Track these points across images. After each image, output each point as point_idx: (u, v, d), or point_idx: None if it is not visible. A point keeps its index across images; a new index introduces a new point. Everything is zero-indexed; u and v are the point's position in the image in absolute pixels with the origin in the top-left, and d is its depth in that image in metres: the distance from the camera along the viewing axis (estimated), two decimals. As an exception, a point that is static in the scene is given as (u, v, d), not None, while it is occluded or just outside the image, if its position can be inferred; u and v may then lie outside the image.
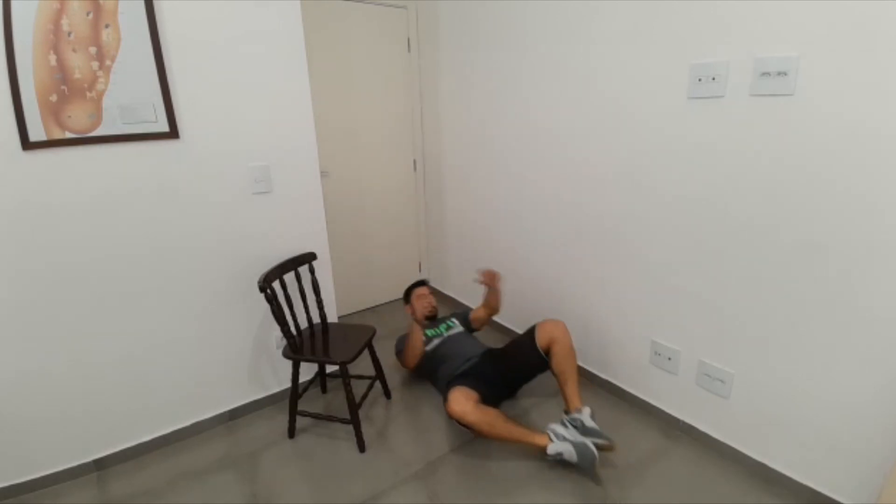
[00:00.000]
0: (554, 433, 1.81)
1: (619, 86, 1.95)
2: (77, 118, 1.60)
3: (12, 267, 1.58)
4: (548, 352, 2.07)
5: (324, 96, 2.65)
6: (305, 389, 2.20)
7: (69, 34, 1.54)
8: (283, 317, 1.91)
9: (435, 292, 3.55)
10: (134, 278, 1.81)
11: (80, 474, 1.82)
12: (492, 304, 2.55)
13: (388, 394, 2.31)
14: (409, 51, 3.10)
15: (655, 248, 1.95)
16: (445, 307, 3.25)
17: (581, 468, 1.75)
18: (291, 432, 2.04)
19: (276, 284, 1.99)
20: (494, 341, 2.67)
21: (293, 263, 2.08)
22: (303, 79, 2.04)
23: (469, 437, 1.96)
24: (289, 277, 2.06)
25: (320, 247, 2.25)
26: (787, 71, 1.42)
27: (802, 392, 1.60)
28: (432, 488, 1.76)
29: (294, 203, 2.14)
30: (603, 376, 2.33)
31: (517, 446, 1.87)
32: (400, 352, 2.41)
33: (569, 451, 1.74)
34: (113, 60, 1.62)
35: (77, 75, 1.57)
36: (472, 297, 3.15)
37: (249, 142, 1.96)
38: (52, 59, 1.53)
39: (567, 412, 1.95)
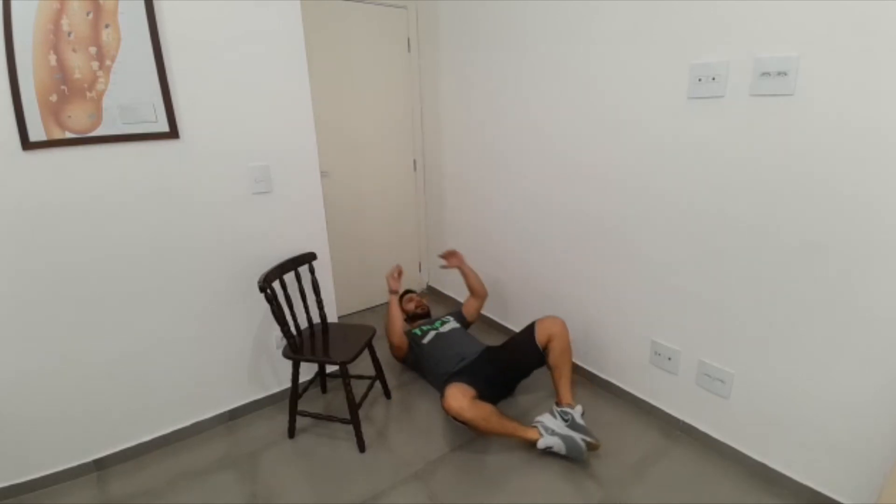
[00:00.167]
0: (542, 426, 1.86)
1: (619, 85, 1.95)
2: (77, 118, 1.60)
3: (12, 267, 1.58)
4: (546, 348, 2.09)
5: (324, 96, 2.65)
6: (305, 389, 2.20)
7: (69, 34, 1.54)
8: (283, 317, 1.91)
9: (435, 292, 3.57)
10: (134, 278, 1.81)
11: (80, 474, 1.82)
12: (474, 288, 2.67)
13: (388, 394, 2.31)
14: (409, 51, 3.10)
15: (655, 247, 1.96)
16: (446, 307, 3.25)
17: (571, 458, 1.80)
18: (291, 432, 2.04)
19: (276, 284, 1.99)
20: (494, 340, 2.67)
21: (293, 263, 2.08)
22: (303, 79, 2.04)
23: (469, 436, 1.96)
24: (289, 277, 2.06)
25: (320, 247, 2.25)
26: (787, 71, 1.42)
27: (802, 392, 1.60)
28: (432, 488, 1.76)
29: (294, 203, 2.14)
30: (603, 376, 2.33)
31: (515, 443, 1.90)
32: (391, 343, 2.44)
33: (558, 445, 1.81)
34: (113, 60, 1.62)
35: (77, 75, 1.57)
36: (472, 297, 3.15)
37: (249, 142, 1.96)
38: (52, 59, 1.53)
39: (558, 404, 2.00)
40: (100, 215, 1.71)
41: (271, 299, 1.85)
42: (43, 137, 1.56)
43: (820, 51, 1.36)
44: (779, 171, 1.52)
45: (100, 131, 1.65)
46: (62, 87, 1.56)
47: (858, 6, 1.27)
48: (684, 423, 1.99)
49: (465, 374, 2.03)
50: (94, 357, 1.79)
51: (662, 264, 1.94)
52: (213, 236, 1.96)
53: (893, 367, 1.38)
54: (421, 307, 2.70)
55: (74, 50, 1.56)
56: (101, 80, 1.62)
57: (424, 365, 2.36)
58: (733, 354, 1.77)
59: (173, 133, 1.78)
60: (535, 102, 2.35)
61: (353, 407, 1.92)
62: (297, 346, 1.98)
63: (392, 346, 2.45)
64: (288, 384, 2.14)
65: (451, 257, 2.66)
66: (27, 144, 1.53)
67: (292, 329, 2.01)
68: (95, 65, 1.60)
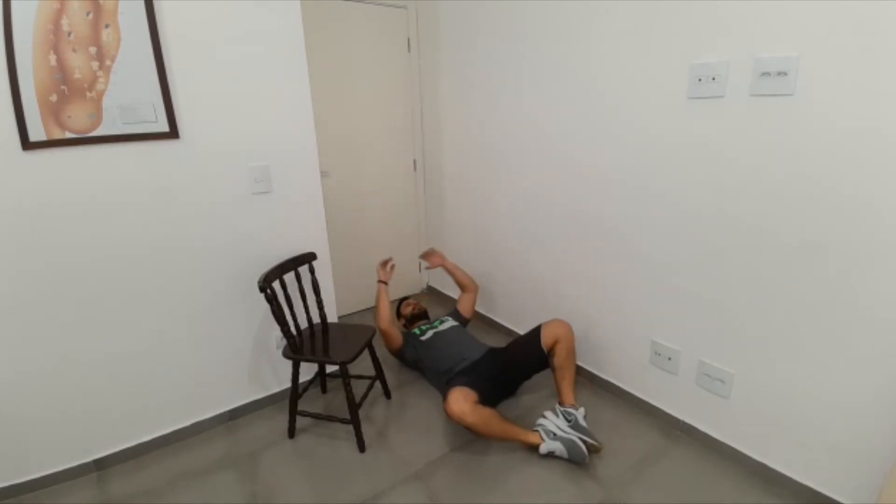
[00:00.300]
0: (544, 430, 1.87)
1: (619, 85, 1.95)
2: (77, 118, 1.60)
3: (12, 267, 1.58)
4: (551, 350, 2.11)
5: (324, 96, 2.65)
6: (305, 389, 2.20)
7: (69, 34, 1.54)
8: (283, 317, 1.91)
9: (435, 292, 3.57)
10: (134, 278, 1.81)
11: (80, 474, 1.82)
12: (462, 283, 2.74)
13: (388, 394, 2.31)
14: (409, 51, 3.10)
15: (655, 247, 1.96)
16: (445, 308, 3.25)
17: (573, 461, 1.81)
18: (291, 432, 2.04)
19: (276, 284, 1.99)
20: (494, 340, 2.68)
21: (293, 263, 2.08)
22: (303, 79, 2.04)
23: (469, 436, 1.96)
24: (289, 277, 2.06)
25: (320, 247, 2.25)
26: (787, 71, 1.42)
27: (802, 392, 1.60)
28: (432, 488, 1.76)
29: (294, 203, 2.14)
30: (603, 376, 2.33)
31: (515, 443, 1.90)
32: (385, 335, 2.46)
33: (559, 450, 1.81)
34: (113, 60, 1.62)
35: (77, 75, 1.57)
36: (472, 297, 3.15)
37: (249, 142, 1.96)
38: (52, 59, 1.53)
39: (561, 404, 2.02)
40: (100, 215, 1.71)
41: (271, 299, 1.85)
42: (43, 137, 1.56)
43: (820, 51, 1.36)
44: (779, 170, 1.52)
45: (100, 131, 1.65)
46: (62, 87, 1.56)
47: (858, 6, 1.27)
48: (684, 423, 1.99)
49: (467, 376, 2.04)
50: (94, 357, 1.79)
51: (662, 264, 1.94)
52: (213, 236, 1.96)
53: (893, 367, 1.38)
54: (418, 308, 2.71)
55: (74, 50, 1.56)
56: (101, 80, 1.62)
57: (424, 363, 2.37)
58: (733, 354, 1.77)
59: (173, 133, 1.78)
60: (535, 102, 2.35)
61: (353, 407, 1.92)
62: (297, 346, 1.98)
63: (383, 336, 2.44)
64: (288, 384, 2.14)
65: (431, 256, 2.72)
66: (27, 144, 1.53)
67: (292, 329, 2.01)
68: (95, 65, 1.60)
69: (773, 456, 1.72)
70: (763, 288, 1.64)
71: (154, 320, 1.89)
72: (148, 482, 1.80)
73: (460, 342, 2.33)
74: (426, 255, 2.73)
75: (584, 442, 1.80)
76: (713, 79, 1.61)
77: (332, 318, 2.34)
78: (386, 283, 2.48)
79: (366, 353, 2.10)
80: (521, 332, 2.74)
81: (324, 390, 2.37)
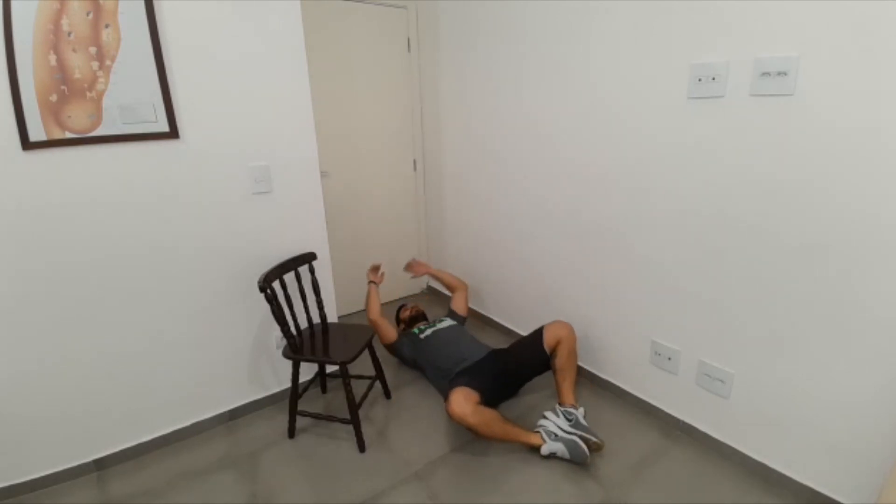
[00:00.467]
0: (545, 431, 1.88)
1: (619, 86, 1.95)
2: (77, 118, 1.60)
3: (12, 267, 1.58)
4: (553, 351, 2.11)
5: (324, 96, 2.65)
6: (305, 389, 2.20)
7: (69, 34, 1.54)
8: (283, 317, 1.91)
9: (434, 293, 3.57)
10: (134, 278, 1.81)
11: (80, 474, 1.82)
12: (451, 284, 2.85)
13: (388, 394, 2.31)
14: (409, 51, 3.10)
15: (655, 247, 1.96)
16: (445, 308, 3.24)
17: (575, 462, 1.80)
18: (291, 432, 2.04)
19: (276, 284, 1.99)
20: (495, 340, 2.68)
21: (293, 263, 2.08)
22: (303, 79, 2.04)
23: (469, 437, 1.96)
24: (289, 277, 2.06)
25: (320, 247, 2.25)
26: (787, 71, 1.42)
27: (802, 392, 1.60)
28: (432, 488, 1.76)
29: (294, 203, 2.14)
30: (603, 376, 2.33)
31: (515, 445, 1.90)
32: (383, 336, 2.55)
33: (561, 450, 1.82)
34: (113, 60, 1.62)
35: (77, 75, 1.57)
36: (472, 296, 3.15)
37: (249, 142, 1.96)
38: (52, 59, 1.53)
39: (562, 404, 2.02)
40: (100, 215, 1.71)
41: (271, 299, 1.85)
42: (43, 137, 1.56)
43: (820, 51, 1.36)
44: (778, 170, 1.52)
45: (100, 131, 1.65)
46: (62, 87, 1.56)
47: (858, 6, 1.27)
48: (684, 423, 1.99)
49: (468, 376, 2.04)
50: (94, 357, 1.79)
51: (662, 264, 1.94)
52: (213, 236, 1.96)
53: (893, 367, 1.38)
54: (416, 311, 2.78)
55: (74, 50, 1.56)
56: (101, 80, 1.62)
57: (424, 362, 2.38)
58: (733, 354, 1.77)
59: (173, 133, 1.78)
60: (535, 102, 2.35)
61: (353, 407, 1.92)
62: (297, 346, 1.98)
63: (374, 328, 2.46)
64: (288, 384, 2.14)
65: (414, 267, 2.82)
66: (27, 144, 1.53)
67: (292, 329, 2.01)
68: (95, 65, 1.60)
69: (773, 456, 1.72)
70: (763, 288, 1.64)
71: (154, 320, 1.89)
72: (148, 482, 1.80)
73: (459, 341, 2.34)
74: (409, 267, 2.82)
75: (586, 440, 1.80)
76: (713, 79, 1.61)
77: (332, 318, 2.34)
78: (375, 283, 2.59)
79: (366, 353, 2.10)
80: (521, 331, 2.75)
81: (324, 390, 2.37)
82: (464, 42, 2.72)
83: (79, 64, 1.57)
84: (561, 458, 1.82)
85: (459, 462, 1.88)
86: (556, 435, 1.85)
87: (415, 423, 2.13)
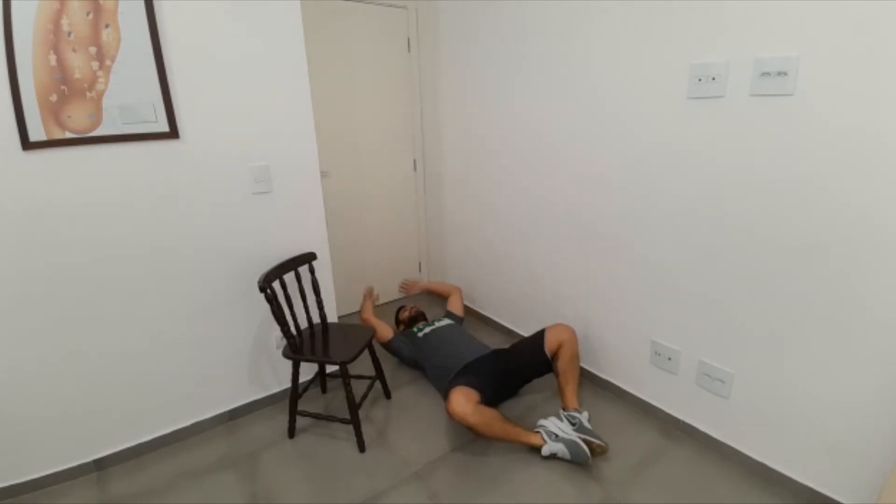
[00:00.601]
0: (546, 432, 1.86)
1: (619, 86, 1.95)
2: (77, 118, 1.60)
3: (12, 267, 1.58)
4: (555, 355, 2.10)
5: (324, 96, 2.65)
6: (305, 389, 2.20)
7: (69, 34, 1.54)
8: (283, 317, 1.91)
9: (435, 293, 3.57)
10: (134, 278, 1.81)
11: (80, 474, 1.82)
12: (444, 292, 2.98)
13: (388, 394, 2.31)
14: (409, 51, 3.10)
15: (655, 248, 1.96)
16: (444, 308, 3.24)
17: (576, 463, 1.80)
18: (291, 432, 2.04)
19: (276, 284, 1.99)
20: (495, 340, 2.68)
21: (293, 263, 2.08)
22: (303, 79, 2.04)
23: (469, 436, 1.96)
24: (289, 277, 2.06)
25: (320, 247, 2.25)
26: (787, 71, 1.42)
27: (802, 392, 1.60)
28: (432, 488, 1.76)
29: (294, 203, 2.14)
30: (603, 376, 2.33)
31: (515, 445, 1.90)
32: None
33: (562, 451, 1.81)
34: (113, 60, 1.62)
35: (77, 75, 1.57)
36: (472, 296, 3.16)
37: (249, 142, 1.96)
38: (52, 58, 1.53)
39: (565, 409, 2.00)
40: (100, 215, 1.71)
41: (271, 299, 1.85)
42: (43, 137, 1.56)
43: (820, 51, 1.36)
44: (778, 170, 1.52)
45: (100, 131, 1.65)
46: (62, 87, 1.56)
47: (858, 6, 1.27)
48: (684, 423, 1.99)
49: (469, 376, 2.03)
50: (94, 357, 1.79)
51: (662, 264, 1.94)
52: (213, 236, 1.96)
53: (893, 367, 1.38)
54: (415, 311, 2.80)
55: (74, 50, 1.56)
56: (101, 80, 1.62)
57: (423, 361, 2.38)
58: (733, 354, 1.77)
59: (173, 133, 1.78)
60: (535, 102, 2.35)
61: (353, 407, 1.92)
62: (297, 346, 1.98)
63: (370, 328, 2.50)
64: (288, 384, 2.14)
65: (408, 287, 2.90)
66: (27, 144, 1.53)
67: (292, 329, 2.01)
68: (95, 65, 1.60)
69: (773, 456, 1.72)
70: (763, 288, 1.64)
71: (154, 320, 1.89)
72: (148, 482, 1.80)
73: (458, 339, 2.35)
74: (402, 288, 2.88)
75: (589, 443, 1.78)
76: (713, 79, 1.61)
77: (332, 318, 2.34)
78: (368, 296, 2.72)
79: (366, 353, 2.10)
80: (521, 331, 2.75)
81: (324, 390, 2.37)
82: (464, 42, 2.72)
83: (79, 64, 1.57)
84: (562, 459, 1.82)
85: (459, 462, 1.88)
86: (556, 436, 1.84)
87: (415, 423, 2.13)
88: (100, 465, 1.86)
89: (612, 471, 1.80)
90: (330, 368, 2.39)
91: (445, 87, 2.97)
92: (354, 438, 1.95)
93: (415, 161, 3.34)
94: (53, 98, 1.55)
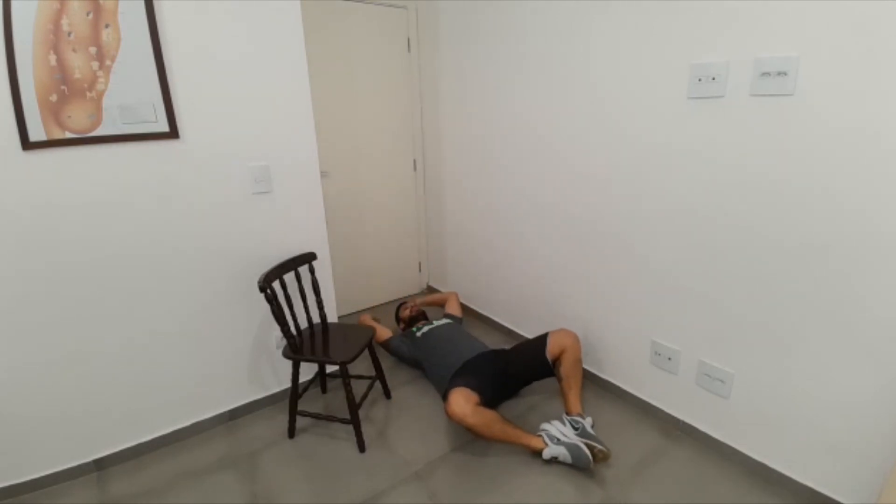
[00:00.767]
0: (547, 435, 1.85)
1: (619, 86, 1.95)
2: (77, 118, 1.60)
3: (12, 267, 1.58)
4: (557, 359, 2.09)
5: (324, 96, 2.65)
6: (305, 389, 2.20)
7: (69, 34, 1.54)
8: (283, 317, 1.91)
9: (434, 293, 3.57)
10: (133, 278, 1.81)
11: (80, 474, 1.82)
12: (441, 302, 3.00)
13: (388, 394, 2.31)
14: (409, 51, 3.10)
15: (655, 248, 1.96)
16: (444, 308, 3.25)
17: (577, 467, 1.78)
18: (291, 432, 2.04)
19: (276, 284, 1.99)
20: (495, 340, 2.68)
21: (293, 263, 2.08)
22: (303, 78, 2.04)
23: (469, 437, 1.96)
24: (289, 277, 2.06)
25: (320, 247, 2.25)
26: (787, 71, 1.42)
27: (802, 392, 1.60)
28: (432, 488, 1.76)
29: (294, 203, 2.14)
30: (603, 376, 2.33)
31: (515, 446, 1.89)
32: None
33: (563, 455, 1.79)
34: (113, 60, 1.62)
35: (77, 75, 1.57)
36: (472, 296, 3.15)
37: (249, 141, 1.96)
38: (52, 58, 1.53)
39: (568, 414, 1.98)
40: (100, 215, 1.71)
41: (271, 299, 1.85)
42: (43, 137, 1.56)
43: (820, 51, 1.36)
44: (778, 170, 1.52)
45: (100, 131, 1.65)
46: (62, 86, 1.56)
47: (858, 6, 1.27)
48: (684, 423, 1.99)
49: (468, 376, 2.03)
50: (93, 357, 1.79)
51: (662, 264, 1.94)
52: (213, 236, 1.96)
53: (893, 367, 1.38)
54: (415, 310, 2.79)
55: (74, 50, 1.56)
56: (101, 80, 1.62)
57: (422, 360, 2.39)
58: (733, 354, 1.77)
59: (173, 133, 1.78)
60: (535, 102, 2.35)
61: (353, 407, 1.92)
62: (297, 346, 1.98)
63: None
64: (288, 384, 2.14)
65: (407, 309, 2.86)
66: (27, 144, 1.53)
67: (292, 329, 2.01)
68: (95, 65, 1.60)
69: (773, 456, 1.72)
70: (763, 288, 1.63)
71: (154, 320, 1.89)
72: (148, 482, 1.80)
73: (457, 339, 2.35)
74: (402, 309, 2.87)
75: (591, 448, 1.76)
76: (713, 79, 1.61)
77: (332, 318, 2.34)
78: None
79: (366, 353, 2.10)
80: (521, 331, 2.75)
81: (324, 390, 2.37)
82: (464, 42, 2.72)
83: (79, 64, 1.57)
84: (563, 463, 1.80)
85: (459, 462, 1.88)
86: (558, 439, 1.82)
87: (415, 423, 2.13)
88: (100, 465, 1.86)
89: (612, 471, 1.80)
90: (330, 368, 2.39)
91: (445, 87, 2.97)
92: (354, 438, 1.95)
93: (415, 161, 3.34)
94: (53, 98, 1.55)
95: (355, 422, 1.94)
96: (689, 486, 1.72)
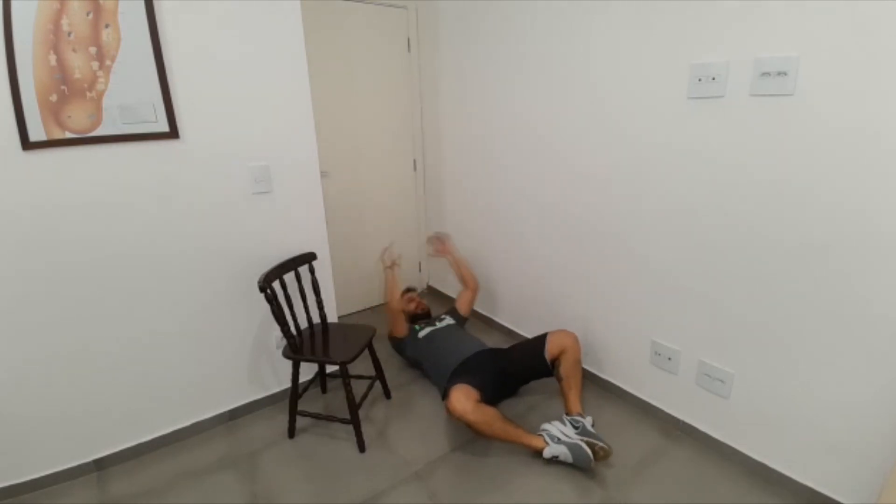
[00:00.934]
0: (548, 435, 1.85)
1: (619, 86, 1.95)
2: (77, 118, 1.60)
3: (12, 267, 1.58)
4: (556, 360, 2.09)
5: (324, 96, 2.64)
6: (305, 389, 2.20)
7: (69, 34, 1.54)
8: (283, 317, 1.91)
9: (435, 292, 3.57)
10: (133, 278, 1.81)
11: (80, 474, 1.82)
12: (465, 279, 2.75)
13: (388, 394, 2.31)
14: (409, 51, 3.10)
15: (655, 248, 1.96)
16: (445, 307, 3.24)
17: (578, 467, 1.78)
18: (291, 432, 2.04)
19: (276, 284, 1.99)
20: (494, 340, 2.68)
21: (293, 263, 2.08)
22: (303, 78, 2.04)
23: (469, 436, 1.96)
24: (289, 277, 2.06)
25: (320, 247, 2.25)
26: (787, 71, 1.42)
27: (802, 392, 1.60)
28: (432, 488, 1.76)
29: (294, 203, 2.14)
30: (603, 376, 2.33)
31: (516, 445, 1.89)
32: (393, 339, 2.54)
33: (564, 454, 1.78)
34: (113, 60, 1.62)
35: (77, 75, 1.57)
36: (472, 297, 3.15)
37: (249, 142, 1.96)
38: (52, 58, 1.53)
39: (568, 414, 1.98)
40: (100, 215, 1.71)
41: (271, 299, 1.85)
42: (43, 137, 1.56)
43: (820, 51, 1.36)
44: (779, 170, 1.52)
45: (100, 131, 1.65)
46: (62, 86, 1.56)
47: (858, 6, 1.27)
48: (684, 423, 1.99)
49: (468, 374, 2.03)
50: (93, 357, 1.79)
51: (662, 264, 1.94)
52: (213, 236, 1.96)
53: (893, 367, 1.38)
54: (421, 307, 2.74)
55: (74, 50, 1.56)
56: (101, 80, 1.62)
57: (423, 361, 2.38)
58: (733, 354, 1.77)
59: (173, 133, 1.78)
60: (535, 102, 2.35)
61: (353, 407, 1.92)
62: (297, 346, 1.98)
63: (391, 318, 2.48)
64: (288, 384, 2.14)
65: (438, 245, 2.71)
66: (27, 144, 1.53)
67: (292, 329, 2.01)
68: (95, 65, 1.60)
69: (773, 456, 1.72)
70: (763, 288, 1.63)
71: (154, 320, 1.89)
72: (148, 482, 1.80)
73: (458, 341, 2.34)
74: (433, 240, 2.68)
75: (592, 446, 1.75)
76: (713, 79, 1.61)
77: (332, 318, 2.33)
78: (390, 268, 2.50)
79: (366, 353, 2.10)
80: (521, 331, 2.75)
81: (324, 390, 2.37)
82: (464, 42, 2.72)
83: (79, 64, 1.57)
84: (563, 462, 1.79)
85: (459, 462, 1.88)
86: (559, 439, 1.82)
87: (415, 423, 2.13)
88: (100, 465, 1.86)
89: (612, 470, 1.80)
90: (330, 368, 2.39)
91: (445, 87, 2.97)
92: (354, 438, 1.95)
93: (415, 161, 3.34)
94: (53, 98, 1.55)
95: (355, 422, 1.94)
96: (689, 486, 1.72)
